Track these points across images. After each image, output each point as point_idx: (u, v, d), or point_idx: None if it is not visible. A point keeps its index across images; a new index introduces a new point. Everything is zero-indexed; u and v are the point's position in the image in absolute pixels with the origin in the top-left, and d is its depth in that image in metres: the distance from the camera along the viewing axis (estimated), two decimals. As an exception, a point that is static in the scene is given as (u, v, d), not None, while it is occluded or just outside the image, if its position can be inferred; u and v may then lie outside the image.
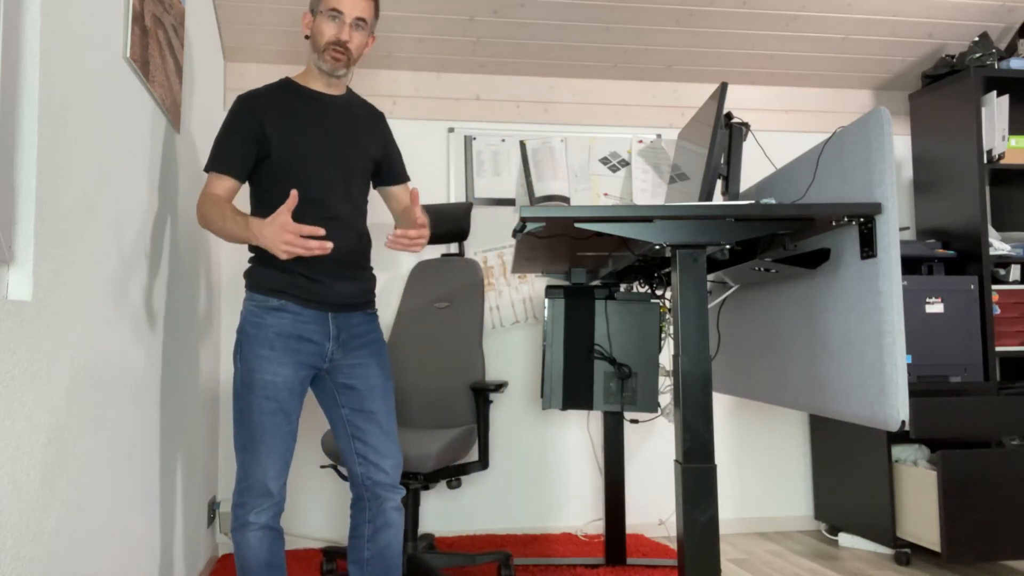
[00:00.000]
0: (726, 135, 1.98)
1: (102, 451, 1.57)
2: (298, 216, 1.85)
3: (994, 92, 3.10)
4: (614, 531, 2.80)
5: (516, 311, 3.32)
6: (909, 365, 2.90)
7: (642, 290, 2.65)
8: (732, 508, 3.39)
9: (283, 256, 1.69)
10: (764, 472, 3.41)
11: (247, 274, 1.90)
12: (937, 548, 2.67)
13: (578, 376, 2.45)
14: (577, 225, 1.65)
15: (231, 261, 3.14)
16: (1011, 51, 3.25)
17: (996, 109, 3.08)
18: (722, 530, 3.37)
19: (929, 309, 2.93)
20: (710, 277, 2.37)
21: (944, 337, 2.93)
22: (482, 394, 2.58)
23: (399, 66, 3.25)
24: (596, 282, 2.82)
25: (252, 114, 1.87)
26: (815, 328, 1.84)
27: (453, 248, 3.10)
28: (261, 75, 3.19)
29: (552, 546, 3.03)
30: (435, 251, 3.20)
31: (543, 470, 3.29)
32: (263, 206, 1.90)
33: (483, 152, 3.32)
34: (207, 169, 1.87)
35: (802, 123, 3.55)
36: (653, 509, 3.34)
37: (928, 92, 3.33)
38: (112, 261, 1.63)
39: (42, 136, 1.25)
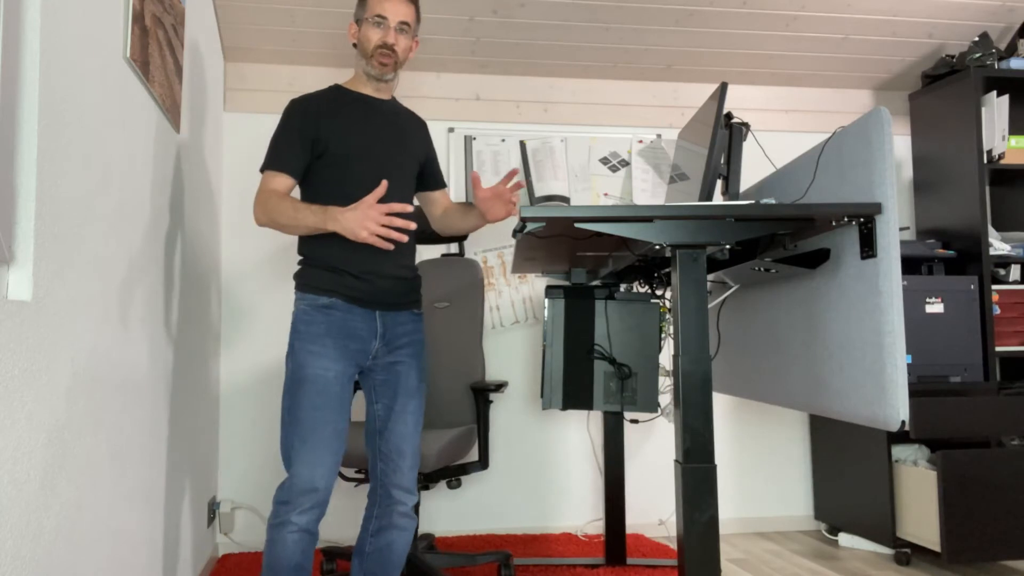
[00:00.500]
0: (726, 135, 1.98)
1: (102, 451, 1.57)
2: None
3: (994, 92, 3.10)
4: (614, 531, 2.80)
5: (516, 311, 3.32)
6: (909, 365, 2.90)
7: (642, 290, 2.65)
8: (732, 508, 3.39)
9: (364, 237, 1.74)
10: (764, 472, 3.41)
11: (297, 276, 1.94)
12: (937, 548, 2.67)
13: (578, 376, 2.45)
14: (577, 225, 1.65)
15: (232, 261, 3.14)
16: (1011, 51, 3.25)
17: (996, 109, 3.08)
18: (722, 530, 3.37)
19: (929, 309, 2.93)
20: (710, 277, 2.37)
21: (944, 337, 2.93)
22: (482, 394, 2.58)
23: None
24: (596, 282, 2.82)
25: (307, 116, 1.92)
26: (815, 328, 1.84)
27: (453, 248, 3.10)
28: (261, 75, 3.19)
29: (552, 546, 3.03)
30: (435, 251, 3.20)
31: (543, 470, 3.29)
32: (307, 200, 1.92)
33: (483, 152, 3.31)
34: (264, 168, 1.91)
35: (802, 123, 3.55)
36: (653, 509, 3.34)
37: (928, 92, 3.33)
38: (112, 261, 1.63)
39: (42, 136, 1.25)
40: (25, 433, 1.19)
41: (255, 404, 3.11)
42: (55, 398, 1.32)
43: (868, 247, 1.59)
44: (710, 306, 2.55)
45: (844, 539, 3.14)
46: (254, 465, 3.10)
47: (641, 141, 3.41)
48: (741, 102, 3.52)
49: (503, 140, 3.33)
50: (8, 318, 1.13)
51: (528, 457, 3.28)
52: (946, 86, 3.22)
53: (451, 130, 3.31)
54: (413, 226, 1.78)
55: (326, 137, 1.91)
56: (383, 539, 1.98)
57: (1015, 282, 3.18)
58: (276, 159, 1.91)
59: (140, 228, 1.85)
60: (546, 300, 2.49)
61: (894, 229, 1.55)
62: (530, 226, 1.67)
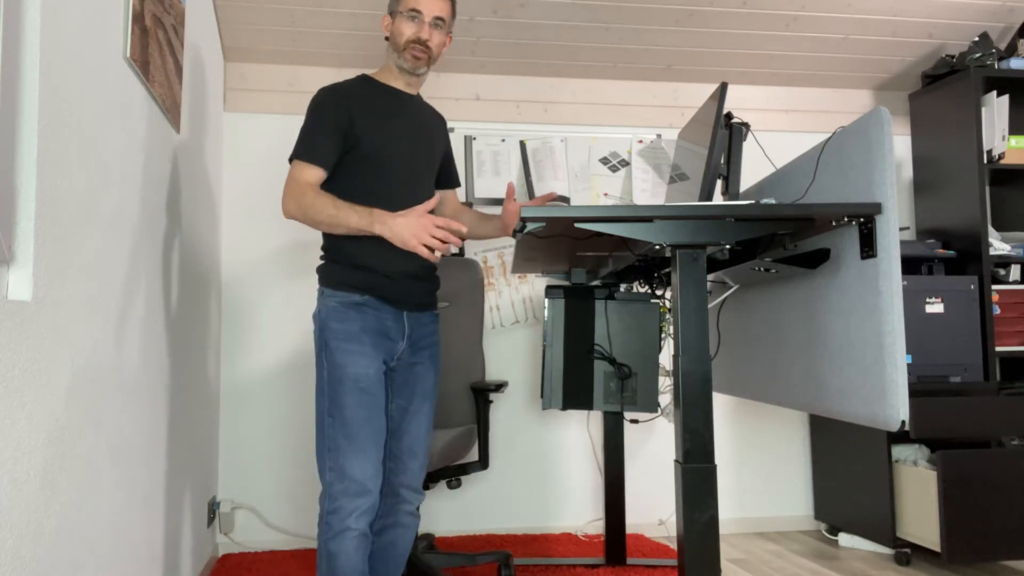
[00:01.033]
0: (726, 135, 1.97)
1: (102, 451, 1.57)
2: (387, 207, 1.85)
3: (994, 92, 3.10)
4: (614, 531, 2.80)
5: (516, 311, 3.32)
6: (909, 365, 2.90)
7: (642, 290, 2.65)
8: (732, 508, 3.39)
9: (413, 246, 1.73)
10: (764, 472, 3.41)
11: (325, 272, 1.90)
12: (937, 548, 2.67)
13: (578, 376, 2.45)
14: (577, 225, 1.64)
15: (231, 261, 3.14)
16: (1011, 51, 3.25)
17: (996, 109, 3.08)
18: (722, 530, 3.37)
19: (929, 309, 2.93)
20: (710, 277, 2.37)
21: (944, 337, 2.93)
22: (482, 394, 2.58)
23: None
24: (596, 282, 2.82)
25: (340, 106, 1.87)
26: (815, 328, 1.84)
27: (453, 248, 3.10)
28: (261, 75, 3.19)
29: (552, 546, 3.03)
30: (435, 251, 3.20)
31: (543, 470, 3.29)
32: (344, 196, 1.86)
33: (483, 152, 3.31)
34: (293, 158, 1.86)
35: (802, 123, 3.55)
36: (653, 509, 3.34)
37: (928, 92, 3.33)
38: (112, 261, 1.63)
39: (42, 136, 1.25)
40: (25, 433, 1.19)
41: (255, 404, 3.11)
42: (55, 398, 1.32)
43: (868, 247, 1.59)
44: (710, 306, 2.55)
45: (844, 539, 3.14)
46: (254, 465, 3.10)
47: (641, 141, 3.41)
48: (741, 102, 3.52)
49: (503, 140, 3.33)
50: (8, 318, 1.13)
51: (528, 457, 3.28)
52: (946, 86, 3.22)
53: (451, 130, 3.29)
54: (459, 242, 1.79)
55: (359, 130, 1.87)
56: (387, 537, 1.98)
57: (1015, 282, 3.18)
58: (308, 150, 1.85)
59: (140, 228, 1.85)
60: (546, 300, 2.49)
61: (894, 229, 1.55)
62: (530, 226, 1.66)
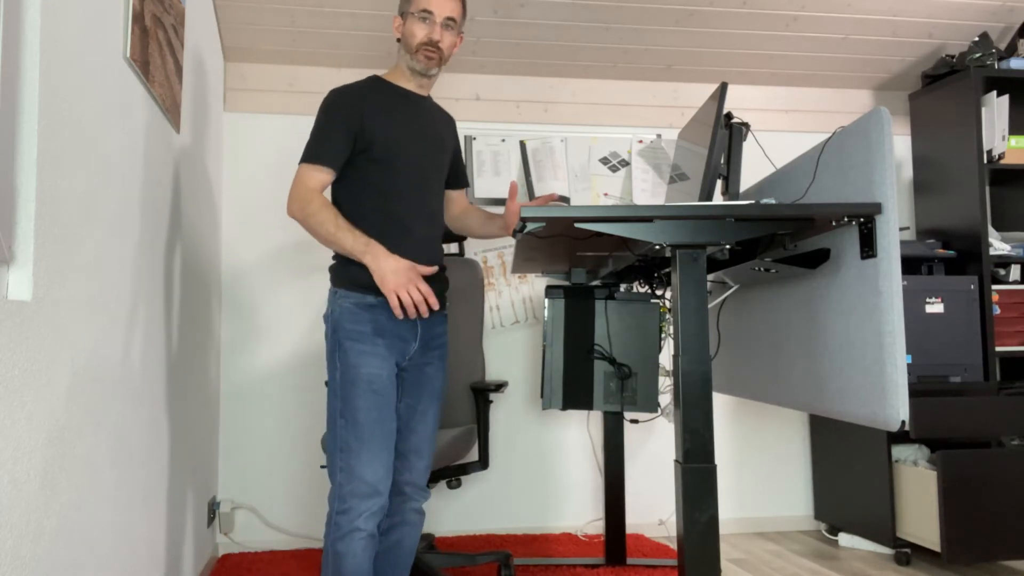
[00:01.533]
0: (726, 135, 1.97)
1: (102, 451, 1.57)
2: (394, 211, 1.88)
3: (994, 92, 3.10)
4: (614, 531, 2.80)
5: (516, 311, 3.32)
6: (909, 365, 2.90)
7: (642, 290, 2.65)
8: (732, 508, 3.39)
9: (391, 293, 1.77)
10: (764, 472, 3.41)
11: (338, 272, 1.90)
12: (937, 548, 2.67)
13: (578, 376, 2.45)
14: (577, 225, 1.64)
15: (231, 260, 3.14)
16: (1011, 51, 3.25)
17: (996, 109, 3.08)
18: (722, 530, 3.37)
19: (929, 309, 2.93)
20: (710, 277, 2.37)
21: (944, 337, 2.93)
22: (482, 394, 2.58)
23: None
24: (596, 282, 2.82)
25: (350, 108, 1.88)
26: (815, 328, 1.84)
27: (453, 248, 3.10)
28: (261, 75, 3.19)
29: (552, 546, 3.03)
30: (435, 251, 3.20)
31: (543, 470, 3.29)
32: (354, 197, 1.89)
33: (483, 152, 3.31)
34: (304, 160, 1.87)
35: (802, 123, 3.55)
36: (653, 509, 3.34)
37: (928, 92, 3.33)
38: (112, 261, 1.63)
39: (42, 136, 1.25)
40: (25, 433, 1.19)
41: (255, 404, 3.11)
42: (55, 398, 1.32)
43: (868, 247, 1.59)
44: (710, 306, 2.55)
45: (844, 539, 3.14)
46: (254, 465, 3.10)
47: (641, 141, 3.41)
48: (741, 102, 3.52)
49: (503, 140, 3.33)
50: (8, 318, 1.13)
51: (528, 457, 3.28)
52: (946, 86, 3.22)
53: (451, 130, 3.31)
54: (436, 305, 1.83)
55: (371, 132, 1.87)
56: (393, 536, 1.98)
57: (1015, 282, 3.18)
58: (317, 151, 1.86)
59: (140, 228, 1.85)
60: (546, 300, 2.49)
61: (894, 229, 1.55)
62: (530, 226, 1.66)
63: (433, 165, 1.98)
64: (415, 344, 1.94)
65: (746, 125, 2.01)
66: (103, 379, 1.57)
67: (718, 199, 1.91)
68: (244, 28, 2.99)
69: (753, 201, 1.72)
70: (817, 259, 1.80)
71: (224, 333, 3.12)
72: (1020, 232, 3.34)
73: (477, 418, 2.60)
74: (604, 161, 3.39)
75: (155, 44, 1.93)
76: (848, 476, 3.12)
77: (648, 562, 2.80)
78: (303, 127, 3.21)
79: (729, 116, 2.00)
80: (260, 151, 3.19)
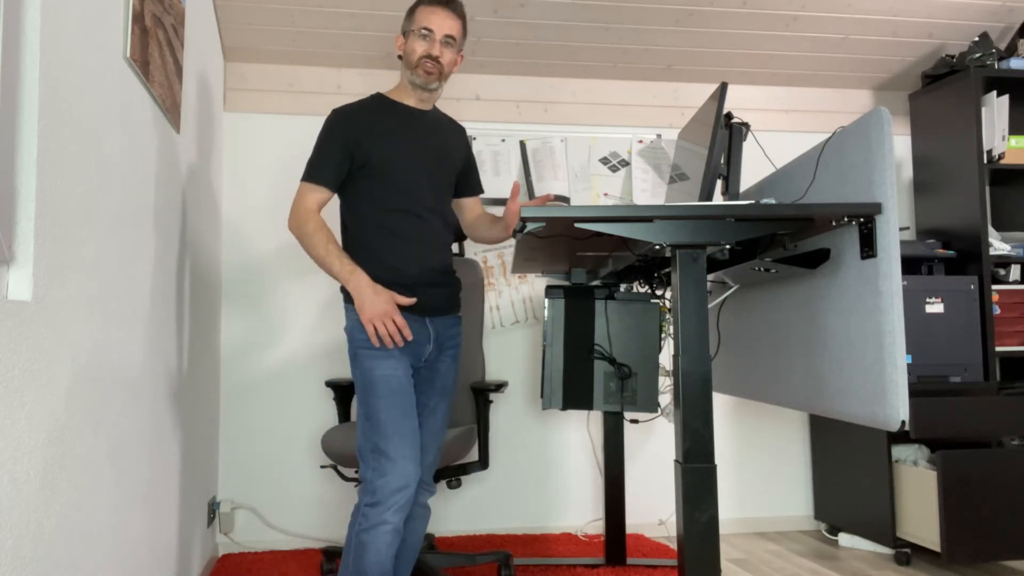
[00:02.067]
0: (726, 135, 1.97)
1: (102, 451, 1.57)
2: (396, 224, 1.96)
3: (994, 92, 3.10)
4: (614, 531, 2.80)
5: (516, 311, 3.32)
6: (909, 365, 2.90)
7: (642, 290, 2.65)
8: (732, 508, 3.39)
9: (368, 323, 1.85)
10: (764, 472, 3.41)
11: (345, 289, 1.98)
12: (937, 548, 2.67)
13: (578, 376, 2.45)
14: (577, 225, 1.65)
15: (231, 260, 3.14)
16: (1011, 51, 3.25)
17: (996, 109, 3.08)
18: (722, 530, 3.37)
19: (929, 309, 2.93)
20: (710, 277, 2.37)
21: (944, 337, 2.93)
22: (482, 394, 2.58)
23: (399, 66, 3.25)
24: (596, 282, 2.82)
25: (349, 128, 1.96)
26: (815, 328, 1.84)
27: (454, 248, 3.10)
28: (261, 75, 3.19)
29: (552, 546, 3.03)
30: (435, 251, 3.20)
31: (543, 470, 3.29)
32: (357, 212, 1.98)
33: (483, 152, 3.31)
34: (304, 179, 1.96)
35: (802, 123, 3.55)
36: (653, 509, 3.34)
37: (928, 92, 3.33)
38: (112, 261, 1.63)
39: (42, 136, 1.25)
40: (25, 433, 1.19)
41: (255, 404, 3.11)
42: (55, 398, 1.32)
43: (868, 247, 1.59)
44: (710, 306, 2.55)
45: (844, 539, 3.14)
46: (254, 465, 3.10)
47: (641, 141, 3.41)
48: (741, 102, 3.52)
49: (503, 140, 3.33)
50: (8, 318, 1.13)
51: (528, 457, 3.28)
52: (946, 86, 3.22)
53: (451, 130, 3.31)
54: (410, 337, 1.90)
55: (367, 149, 1.95)
56: None
57: (1015, 282, 3.18)
58: (315, 172, 1.95)
59: (140, 228, 1.85)
60: (546, 300, 2.49)
61: (894, 229, 1.55)
62: (530, 226, 1.66)
63: (435, 178, 2.03)
64: (430, 346, 2.01)
65: (746, 125, 2.01)
66: (103, 379, 1.57)
67: (718, 199, 1.91)
68: (244, 28, 2.99)
69: (753, 201, 1.72)
70: (817, 259, 1.80)
71: (224, 333, 3.12)
72: (1020, 232, 3.34)
73: (477, 418, 2.60)
74: (604, 161, 3.39)
75: (155, 44, 1.93)
76: (848, 476, 3.12)
77: (648, 562, 2.80)
78: (303, 127, 3.21)
79: (729, 116, 2.00)
80: (260, 151, 3.19)
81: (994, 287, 3.05)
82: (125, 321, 1.73)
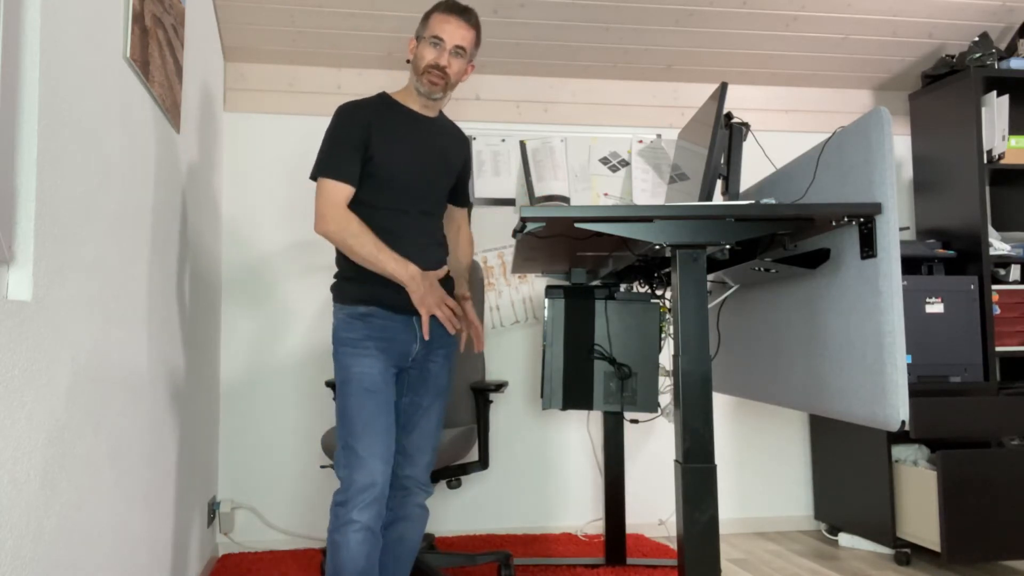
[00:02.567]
0: (726, 135, 1.98)
1: (102, 451, 1.57)
2: (393, 225, 1.94)
3: (994, 92, 3.10)
4: (614, 531, 2.80)
5: (516, 311, 3.32)
6: (909, 365, 2.90)
7: (642, 290, 2.65)
8: (732, 508, 3.39)
9: (423, 308, 1.90)
10: (764, 472, 3.41)
11: (335, 289, 1.98)
12: (937, 548, 2.67)
13: (578, 376, 2.45)
14: (577, 225, 1.65)
15: (231, 260, 3.14)
16: (1011, 51, 3.25)
17: (996, 109, 3.08)
18: (722, 530, 3.37)
19: (929, 309, 2.93)
20: (710, 277, 2.37)
21: (944, 337, 2.93)
22: (482, 394, 2.58)
23: (399, 67, 3.25)
24: (596, 282, 2.82)
25: (359, 123, 1.94)
26: (815, 328, 1.84)
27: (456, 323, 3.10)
28: (261, 75, 3.19)
29: (552, 546, 3.03)
30: (435, 251, 3.20)
31: (543, 470, 3.29)
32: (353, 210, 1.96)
33: (483, 152, 3.31)
34: (321, 176, 1.90)
35: (802, 123, 3.55)
36: (653, 509, 3.34)
37: (928, 92, 3.33)
38: (112, 261, 1.63)
39: (42, 136, 1.25)
40: (25, 433, 1.19)
41: (255, 403, 3.11)
42: (55, 398, 1.32)
43: (868, 247, 1.59)
44: (710, 306, 2.55)
45: (844, 539, 3.14)
46: (254, 465, 3.10)
47: (641, 141, 3.41)
48: (741, 102, 3.52)
49: (503, 140, 3.33)
50: (8, 318, 1.13)
51: (528, 457, 3.28)
52: (946, 86, 3.22)
53: (451, 130, 3.31)
54: (458, 326, 1.96)
55: (374, 147, 1.93)
56: (396, 531, 2.00)
57: (1015, 282, 3.18)
58: (335, 167, 1.90)
59: (140, 228, 1.85)
60: (546, 300, 2.49)
61: (894, 229, 1.55)
62: (530, 226, 1.66)
63: (433, 181, 2.02)
64: (416, 345, 1.98)
65: (746, 125, 2.01)
66: (103, 379, 1.57)
67: (718, 199, 1.91)
68: (244, 28, 2.99)
69: (753, 201, 1.72)
70: (817, 259, 1.80)
71: (224, 333, 3.12)
72: (1020, 232, 3.34)
73: (477, 418, 2.60)
74: (604, 161, 3.39)
75: (155, 44, 1.93)
76: (848, 476, 3.12)
77: (648, 562, 2.80)
78: (303, 127, 3.21)
79: (729, 116, 2.00)
80: (260, 151, 3.19)
81: (994, 287, 3.05)
82: (125, 321, 1.72)
